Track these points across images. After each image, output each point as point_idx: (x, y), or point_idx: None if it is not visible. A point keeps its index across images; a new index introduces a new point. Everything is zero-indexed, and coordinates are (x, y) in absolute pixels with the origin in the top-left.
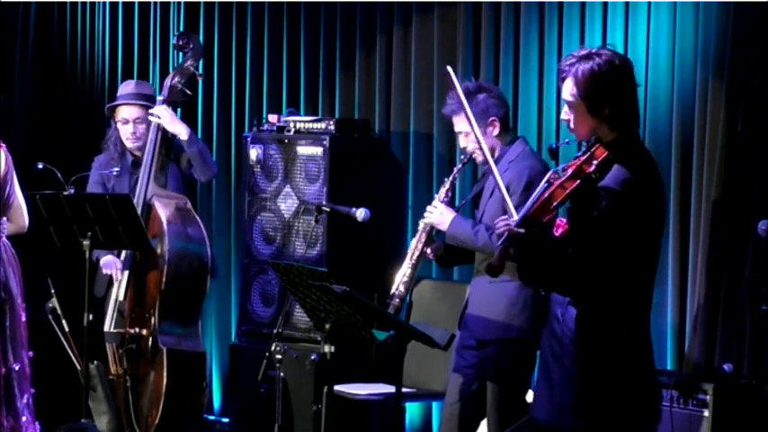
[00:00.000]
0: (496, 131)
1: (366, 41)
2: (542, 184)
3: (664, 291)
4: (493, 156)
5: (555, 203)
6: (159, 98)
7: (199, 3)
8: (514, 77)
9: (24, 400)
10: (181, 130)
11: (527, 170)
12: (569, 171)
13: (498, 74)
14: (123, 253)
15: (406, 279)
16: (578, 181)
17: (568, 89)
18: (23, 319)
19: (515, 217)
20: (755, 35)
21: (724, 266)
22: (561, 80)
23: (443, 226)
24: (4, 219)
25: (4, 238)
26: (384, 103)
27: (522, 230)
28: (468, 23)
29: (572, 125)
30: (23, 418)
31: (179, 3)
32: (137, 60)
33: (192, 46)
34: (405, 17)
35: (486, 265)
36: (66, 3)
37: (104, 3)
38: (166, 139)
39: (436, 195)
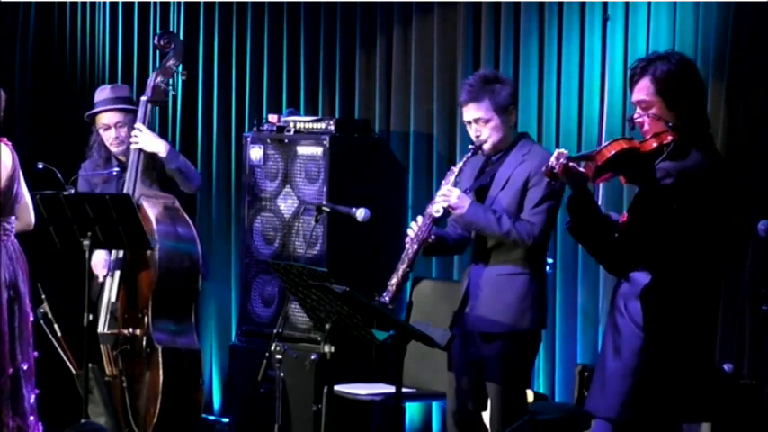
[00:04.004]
0: (513, 121)
1: (366, 41)
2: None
3: None
4: (503, 147)
5: (632, 148)
6: (143, 98)
7: (199, 3)
8: (514, 77)
9: (31, 401)
10: (159, 148)
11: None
12: (649, 137)
13: None
14: (113, 253)
15: (409, 260)
16: (656, 145)
17: (644, 88)
18: (31, 318)
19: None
20: (755, 35)
21: (724, 266)
22: (633, 83)
23: (462, 210)
24: (13, 218)
25: (12, 237)
26: (384, 103)
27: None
28: (468, 23)
29: (647, 126)
30: (31, 418)
31: (179, 3)
32: (137, 60)
33: (173, 45)
34: (405, 17)
35: (548, 168)
36: (66, 3)
37: (104, 3)
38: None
39: (444, 181)
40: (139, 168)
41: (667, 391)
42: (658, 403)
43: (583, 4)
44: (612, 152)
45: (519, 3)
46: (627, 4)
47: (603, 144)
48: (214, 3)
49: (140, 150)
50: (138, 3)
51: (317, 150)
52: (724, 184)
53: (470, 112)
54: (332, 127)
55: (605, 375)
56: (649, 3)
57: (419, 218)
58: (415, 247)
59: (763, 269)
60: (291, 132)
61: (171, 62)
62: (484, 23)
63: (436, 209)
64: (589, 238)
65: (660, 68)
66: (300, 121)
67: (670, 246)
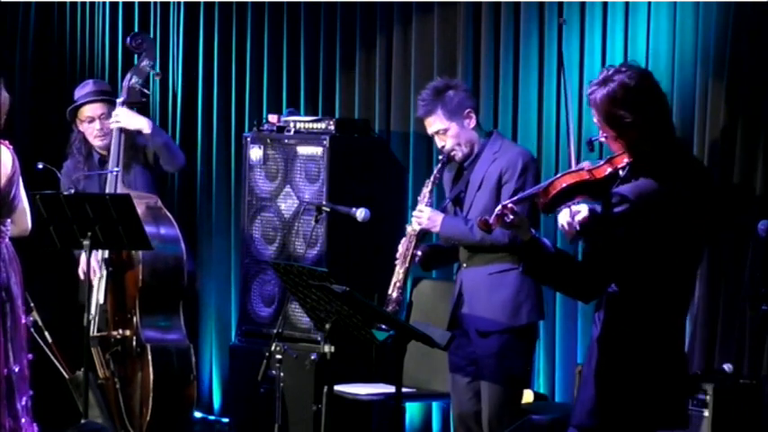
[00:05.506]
0: (473, 123)
1: (366, 41)
2: (573, 167)
3: None
4: (473, 150)
5: (583, 180)
6: (119, 100)
7: (199, 3)
8: (514, 77)
9: (23, 402)
10: (143, 125)
11: (521, 156)
12: (604, 160)
13: (498, 74)
14: (99, 254)
15: (399, 285)
16: (610, 170)
17: (594, 115)
18: (23, 320)
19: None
20: (755, 35)
21: (724, 266)
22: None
23: (435, 228)
24: (8, 220)
25: (6, 240)
26: (384, 103)
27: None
28: (468, 23)
29: (610, 146)
30: (22, 420)
31: (179, 3)
32: (136, 60)
33: (145, 46)
34: (405, 17)
35: (481, 220)
36: (66, 3)
37: (104, 3)
38: (130, 138)
39: (419, 199)
40: (121, 149)
41: (623, 398)
42: (616, 411)
43: (583, 4)
44: (563, 185)
45: (519, 3)
46: (627, 4)
47: (549, 180)
48: (214, 3)
49: (121, 131)
50: (138, 3)
51: (317, 150)
52: (680, 203)
53: (428, 125)
54: (332, 127)
55: (579, 385)
56: (649, 3)
57: (403, 239)
58: (405, 265)
59: (763, 269)
60: (291, 132)
61: (144, 63)
62: (484, 23)
63: (413, 228)
64: (546, 278)
65: (599, 97)
66: (300, 121)
67: (630, 268)
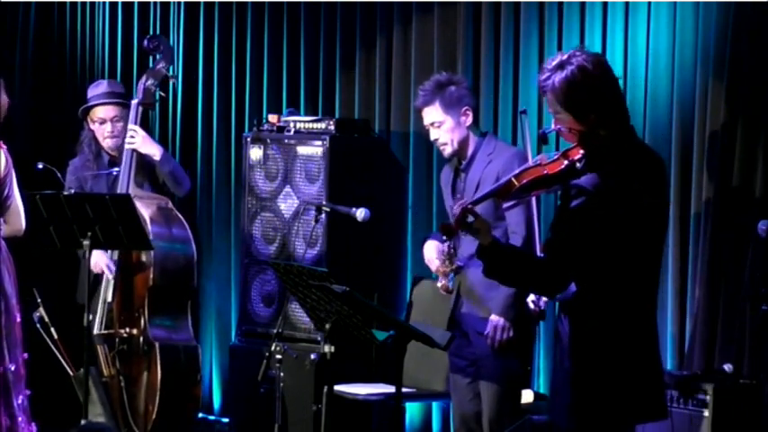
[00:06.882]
0: (469, 121)
1: (366, 41)
2: (530, 162)
3: (663, 291)
4: (466, 149)
5: (543, 174)
6: (134, 101)
7: (199, 3)
8: (514, 78)
9: (19, 401)
10: (154, 151)
11: (516, 158)
12: (559, 153)
13: (498, 74)
14: (109, 254)
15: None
16: (566, 163)
17: (551, 103)
18: (18, 319)
19: None
20: (755, 35)
21: (724, 266)
22: (544, 95)
23: None
24: (2, 220)
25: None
26: (384, 103)
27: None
28: (468, 23)
29: (566, 136)
30: (19, 419)
31: (179, 3)
32: (136, 60)
33: (162, 48)
34: (405, 17)
35: (443, 225)
36: (66, 3)
37: (104, 3)
38: (140, 156)
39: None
40: (132, 168)
41: (599, 395)
42: (594, 408)
43: (583, 4)
44: (523, 182)
45: (519, 3)
46: (627, 4)
47: (506, 177)
48: (214, 3)
49: (134, 151)
50: (138, 3)
51: (317, 150)
52: (636, 195)
53: (425, 115)
54: (332, 127)
55: (555, 382)
56: (649, 3)
57: (433, 260)
58: (447, 274)
59: (763, 269)
60: (291, 132)
61: (161, 65)
62: (484, 23)
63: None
64: (509, 278)
65: (557, 81)
66: (300, 121)
67: (591, 261)
